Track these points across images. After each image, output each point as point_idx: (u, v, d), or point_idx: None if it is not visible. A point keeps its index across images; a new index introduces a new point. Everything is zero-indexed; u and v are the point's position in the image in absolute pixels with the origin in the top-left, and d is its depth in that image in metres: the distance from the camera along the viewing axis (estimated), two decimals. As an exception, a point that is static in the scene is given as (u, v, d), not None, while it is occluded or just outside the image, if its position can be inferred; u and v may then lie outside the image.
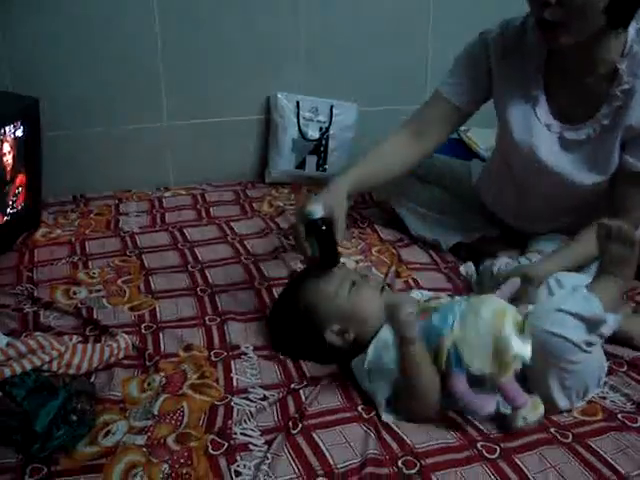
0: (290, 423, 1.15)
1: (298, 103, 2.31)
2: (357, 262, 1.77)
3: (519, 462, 1.07)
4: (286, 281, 1.63)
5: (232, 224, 2.00)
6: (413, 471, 1.05)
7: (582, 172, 1.50)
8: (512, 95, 1.56)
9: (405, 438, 1.12)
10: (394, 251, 1.83)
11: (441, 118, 1.64)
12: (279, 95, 2.30)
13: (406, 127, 1.67)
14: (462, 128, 2.30)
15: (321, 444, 1.11)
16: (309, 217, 1.33)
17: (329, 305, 1.29)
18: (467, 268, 1.68)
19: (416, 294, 1.39)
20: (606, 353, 1.30)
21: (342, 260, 1.70)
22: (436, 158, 1.91)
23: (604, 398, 1.24)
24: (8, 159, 1.72)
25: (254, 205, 2.16)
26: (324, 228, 1.33)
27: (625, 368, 1.33)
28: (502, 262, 1.55)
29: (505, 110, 1.58)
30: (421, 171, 1.88)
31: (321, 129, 2.34)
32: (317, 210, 1.32)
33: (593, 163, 1.49)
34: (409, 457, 1.08)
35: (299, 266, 1.71)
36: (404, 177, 1.75)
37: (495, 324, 1.11)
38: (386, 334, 1.21)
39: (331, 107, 2.34)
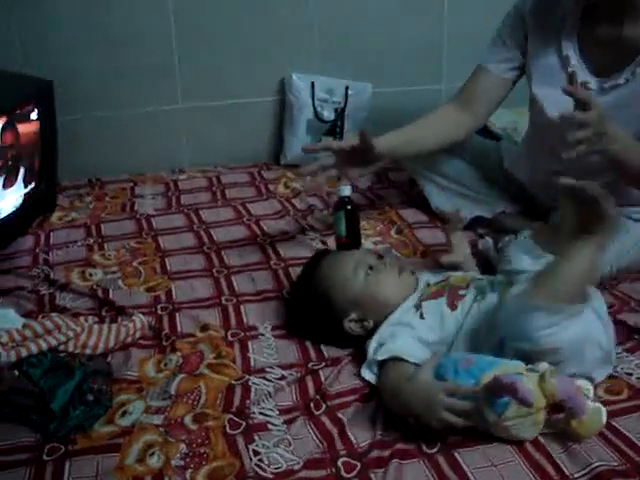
0: (312, 404, 1.14)
1: (313, 84, 2.28)
2: (375, 244, 1.75)
3: (542, 440, 1.05)
4: (302, 261, 1.61)
5: (248, 205, 1.99)
6: (435, 450, 1.03)
7: (620, 114, 1.42)
8: (544, 59, 1.55)
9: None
10: (413, 233, 1.81)
11: (486, 89, 1.66)
12: (294, 76, 2.28)
13: (452, 101, 1.70)
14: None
15: (346, 423, 1.09)
16: (338, 193, 1.35)
17: (345, 294, 1.26)
18: (485, 244, 1.65)
19: (426, 277, 1.36)
20: (633, 329, 1.31)
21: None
22: None
23: (630, 375, 1.21)
24: (23, 142, 1.71)
25: (269, 187, 2.14)
26: (349, 207, 1.32)
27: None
28: (527, 233, 1.52)
29: (536, 76, 1.57)
30: None
31: (336, 110, 2.31)
32: (346, 188, 1.33)
33: (633, 105, 1.43)
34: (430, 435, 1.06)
35: (318, 246, 1.70)
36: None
37: None
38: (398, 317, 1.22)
39: (346, 88, 2.31)
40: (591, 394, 1.07)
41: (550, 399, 1.01)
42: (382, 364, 1.16)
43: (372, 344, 1.21)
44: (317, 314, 1.29)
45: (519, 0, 1.61)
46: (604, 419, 1.05)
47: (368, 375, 1.19)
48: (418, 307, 1.24)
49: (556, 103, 1.53)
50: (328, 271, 1.30)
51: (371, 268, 1.28)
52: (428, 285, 1.30)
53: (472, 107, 1.67)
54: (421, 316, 1.22)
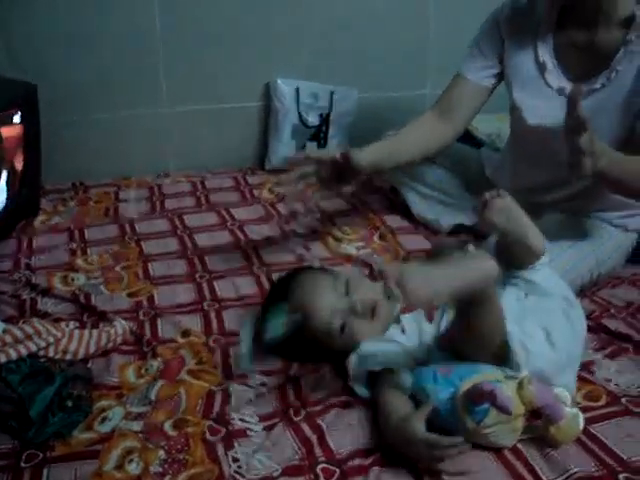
0: (291, 410, 1.14)
1: (298, 89, 2.29)
2: (358, 249, 1.75)
3: (519, 446, 1.05)
4: (284, 267, 1.61)
5: (232, 210, 1.99)
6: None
7: (598, 120, 1.42)
8: (521, 66, 1.57)
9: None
10: (396, 238, 1.81)
11: (464, 97, 1.68)
12: (279, 81, 2.28)
13: (432, 110, 1.72)
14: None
15: (325, 430, 1.09)
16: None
17: (323, 348, 1.22)
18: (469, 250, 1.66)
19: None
20: (614, 334, 1.34)
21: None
22: None
23: (609, 381, 1.22)
24: (6, 145, 1.70)
25: (254, 192, 2.14)
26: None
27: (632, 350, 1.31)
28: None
29: (514, 83, 1.59)
30: None
31: (321, 115, 2.32)
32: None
33: (609, 110, 1.46)
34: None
35: (301, 252, 1.71)
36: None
37: None
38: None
39: (331, 93, 2.31)
40: (569, 401, 1.08)
41: (528, 406, 1.02)
42: (372, 375, 1.16)
43: (353, 358, 1.18)
44: (296, 357, 1.27)
45: (496, 8, 1.63)
46: (581, 425, 1.05)
47: (359, 389, 1.17)
48: (398, 321, 1.23)
49: (534, 109, 1.55)
50: (304, 330, 1.20)
51: (344, 325, 1.19)
52: None
53: (451, 115, 1.68)
54: (402, 330, 1.22)
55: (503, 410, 0.99)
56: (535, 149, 1.61)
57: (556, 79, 1.51)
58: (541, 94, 1.54)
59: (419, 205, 1.89)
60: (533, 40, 1.54)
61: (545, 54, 1.52)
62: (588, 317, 1.36)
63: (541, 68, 1.53)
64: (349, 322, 1.19)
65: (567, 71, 1.51)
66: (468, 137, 2.16)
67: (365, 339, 1.19)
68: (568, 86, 1.49)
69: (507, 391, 1.00)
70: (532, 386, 1.02)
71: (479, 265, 1.01)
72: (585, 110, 1.41)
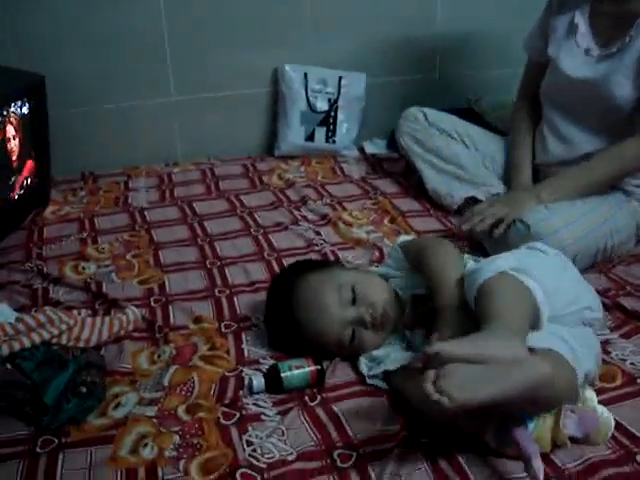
0: (306, 396, 1.14)
1: (306, 75, 2.27)
2: (368, 233, 1.74)
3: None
4: (295, 252, 1.63)
5: (241, 197, 1.98)
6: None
7: (611, 81, 1.55)
8: (559, 27, 1.68)
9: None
10: (406, 221, 1.81)
11: (538, 79, 1.77)
12: (287, 67, 2.27)
13: (520, 100, 1.86)
14: (473, 98, 2.28)
15: (340, 415, 1.09)
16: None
17: (332, 351, 1.23)
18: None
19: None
20: (630, 313, 1.33)
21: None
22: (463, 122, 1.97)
23: (624, 361, 1.21)
24: (15, 137, 1.70)
25: (263, 178, 2.14)
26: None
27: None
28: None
29: (551, 41, 1.70)
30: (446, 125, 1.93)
31: (330, 100, 2.30)
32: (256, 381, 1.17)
33: (621, 72, 1.55)
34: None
35: (311, 236, 1.71)
36: (426, 129, 1.92)
37: None
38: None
39: (339, 78, 2.30)
40: (595, 401, 1.05)
41: (559, 442, 0.99)
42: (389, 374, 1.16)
43: (364, 364, 1.20)
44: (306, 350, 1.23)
45: None
46: (612, 426, 1.03)
47: (378, 383, 1.17)
48: (403, 338, 1.23)
49: (565, 63, 1.66)
50: (312, 332, 1.20)
51: (354, 333, 1.19)
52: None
53: (536, 98, 1.79)
54: (406, 349, 1.21)
55: (523, 457, 0.94)
56: (567, 98, 1.69)
57: (585, 40, 1.62)
58: (570, 52, 1.64)
59: (434, 179, 1.89)
60: (573, 9, 1.65)
61: (580, 19, 1.64)
62: (604, 295, 1.37)
63: (574, 29, 1.64)
64: (358, 332, 1.20)
65: (597, 35, 1.61)
66: (480, 121, 2.15)
67: (373, 348, 1.21)
68: (594, 47, 1.61)
69: (536, 432, 0.97)
70: (571, 418, 0.99)
71: (529, 371, 0.89)
72: (603, 70, 1.57)
